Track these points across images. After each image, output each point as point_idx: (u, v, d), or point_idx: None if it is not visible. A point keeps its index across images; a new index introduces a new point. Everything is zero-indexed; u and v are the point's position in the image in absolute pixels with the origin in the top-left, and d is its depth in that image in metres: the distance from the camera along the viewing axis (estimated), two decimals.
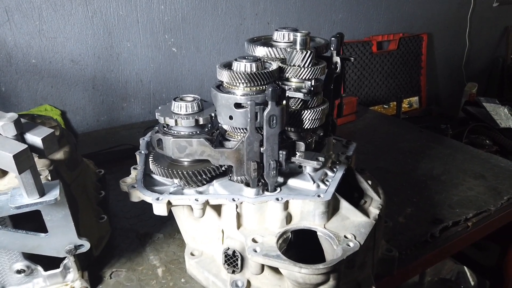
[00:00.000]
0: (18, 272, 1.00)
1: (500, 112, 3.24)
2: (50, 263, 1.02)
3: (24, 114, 1.08)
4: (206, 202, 0.98)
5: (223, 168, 1.05)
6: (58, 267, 1.03)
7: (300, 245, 1.01)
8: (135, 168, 1.15)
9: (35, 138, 0.72)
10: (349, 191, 1.16)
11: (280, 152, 0.95)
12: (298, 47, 1.01)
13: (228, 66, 1.00)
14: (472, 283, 2.59)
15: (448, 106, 4.02)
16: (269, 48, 1.07)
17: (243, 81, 0.95)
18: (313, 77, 1.01)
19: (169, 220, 1.35)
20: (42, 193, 0.79)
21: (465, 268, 2.63)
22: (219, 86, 1.02)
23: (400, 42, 3.39)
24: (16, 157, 0.67)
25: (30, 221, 0.94)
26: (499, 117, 3.19)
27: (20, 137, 0.71)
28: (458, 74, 4.15)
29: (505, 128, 3.08)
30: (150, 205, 0.99)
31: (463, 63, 4.12)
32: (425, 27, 3.59)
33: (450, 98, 4.12)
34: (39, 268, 1.02)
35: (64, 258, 1.02)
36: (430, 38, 3.65)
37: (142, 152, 1.21)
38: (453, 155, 1.92)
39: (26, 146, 0.69)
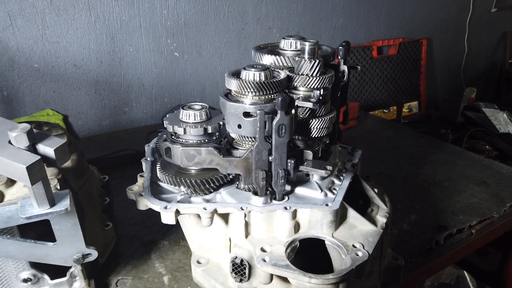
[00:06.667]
0: (25, 281, 1.00)
1: (499, 117, 3.26)
2: (56, 271, 1.02)
3: (31, 121, 1.08)
4: (214, 211, 0.98)
5: (230, 177, 1.05)
6: (64, 275, 1.02)
7: (304, 252, 1.01)
8: (141, 176, 1.15)
9: (47, 148, 0.71)
10: (355, 198, 1.17)
11: (289, 160, 0.96)
12: (306, 56, 1.02)
13: (236, 74, 1.00)
14: None
15: (447, 110, 4.04)
16: (276, 57, 1.07)
17: (252, 90, 0.95)
18: (322, 86, 1.02)
19: (174, 227, 1.33)
20: (52, 203, 0.79)
21: (465, 272, 2.63)
22: (227, 95, 1.02)
23: (400, 47, 3.41)
24: (29, 168, 0.67)
25: (33, 228, 0.93)
26: (498, 122, 3.21)
27: (32, 148, 0.71)
28: (457, 79, 4.17)
29: (504, 133, 3.10)
30: (155, 211, 0.99)
31: (462, 68, 4.14)
32: (424, 32, 3.61)
33: (449, 103, 4.14)
34: (46, 276, 1.01)
35: (70, 267, 1.02)
36: (429, 43, 3.67)
37: (148, 159, 1.21)
38: (454, 161, 1.93)
39: (39, 157, 0.69)
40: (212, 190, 1.06)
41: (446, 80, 4.09)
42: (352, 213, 1.02)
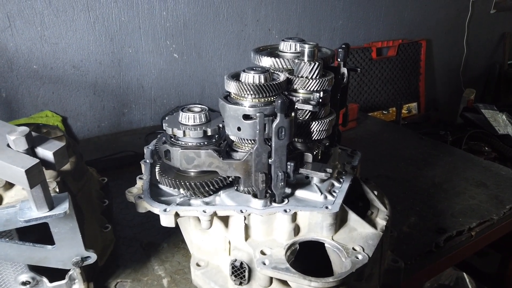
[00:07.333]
0: (23, 284, 0.99)
1: (498, 118, 3.27)
2: (55, 274, 1.01)
3: (30, 123, 1.07)
4: (214, 214, 0.98)
5: (230, 179, 1.05)
6: (63, 278, 1.02)
7: (304, 255, 1.01)
8: (140, 178, 1.14)
9: (46, 152, 0.71)
10: (354, 201, 1.17)
11: (288, 163, 0.95)
12: (305, 58, 1.01)
13: (236, 77, 1.00)
14: None
15: (446, 111, 4.04)
16: (276, 59, 1.07)
17: (251, 92, 0.95)
18: (321, 89, 1.02)
19: (174, 229, 1.32)
20: (51, 206, 0.78)
21: (464, 274, 2.63)
22: (227, 97, 1.02)
23: (399, 48, 3.41)
24: (28, 172, 0.67)
25: (31, 231, 0.93)
26: (497, 123, 3.21)
27: (31, 151, 0.71)
28: (456, 80, 4.18)
29: (504, 135, 3.10)
30: (154, 214, 0.99)
31: (461, 69, 4.15)
32: (424, 33, 3.61)
33: (448, 104, 4.15)
34: (44, 279, 1.01)
35: (69, 270, 1.01)
36: (428, 44, 3.67)
37: (147, 161, 1.20)
38: (454, 163, 1.93)
39: (38, 160, 0.68)
40: (212, 193, 1.05)
41: (445, 81, 4.09)
42: (352, 216, 1.02)
